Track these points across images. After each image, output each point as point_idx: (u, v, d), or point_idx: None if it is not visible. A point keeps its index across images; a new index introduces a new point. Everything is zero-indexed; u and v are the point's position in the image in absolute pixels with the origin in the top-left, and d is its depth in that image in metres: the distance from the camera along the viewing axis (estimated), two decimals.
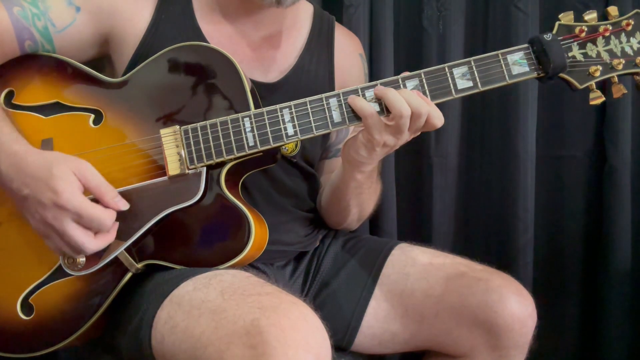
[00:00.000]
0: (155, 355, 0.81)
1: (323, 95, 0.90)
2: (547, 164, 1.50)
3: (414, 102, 0.86)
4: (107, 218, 0.84)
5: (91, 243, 0.84)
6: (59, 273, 0.89)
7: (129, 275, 0.90)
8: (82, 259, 0.88)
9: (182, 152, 0.90)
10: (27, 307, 0.90)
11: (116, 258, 0.89)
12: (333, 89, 1.10)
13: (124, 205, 0.86)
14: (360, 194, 1.05)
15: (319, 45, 1.11)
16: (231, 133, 0.90)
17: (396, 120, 0.87)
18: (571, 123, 1.49)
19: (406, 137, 0.90)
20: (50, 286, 0.90)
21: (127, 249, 0.89)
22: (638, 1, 1.38)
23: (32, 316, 0.90)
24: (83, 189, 0.83)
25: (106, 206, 0.84)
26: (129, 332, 0.85)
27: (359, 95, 0.90)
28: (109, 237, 0.86)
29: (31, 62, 0.96)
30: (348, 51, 1.16)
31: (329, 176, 1.15)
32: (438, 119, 0.88)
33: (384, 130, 0.88)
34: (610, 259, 1.46)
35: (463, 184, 1.51)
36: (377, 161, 0.97)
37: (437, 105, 0.89)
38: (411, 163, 1.47)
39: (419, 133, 0.91)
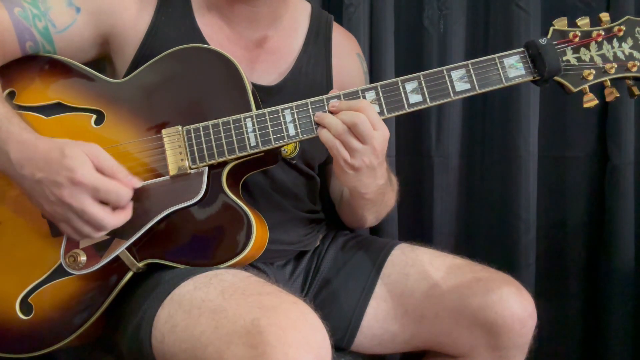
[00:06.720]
0: (155, 355, 0.82)
1: (324, 96, 0.91)
2: (549, 164, 1.49)
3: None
4: (124, 190, 0.84)
5: (110, 218, 0.84)
6: (59, 272, 0.90)
7: (129, 274, 0.90)
8: (83, 258, 0.88)
9: (184, 152, 0.90)
10: (26, 306, 0.90)
11: (117, 257, 0.89)
12: None
13: (137, 183, 0.87)
14: (373, 205, 1.06)
15: (317, 47, 1.11)
16: (233, 133, 0.90)
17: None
18: (573, 123, 1.48)
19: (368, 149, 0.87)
20: (50, 286, 0.90)
21: (129, 248, 0.89)
22: (639, 1, 1.37)
23: (31, 316, 0.90)
24: (95, 169, 0.83)
25: None
26: (129, 332, 0.86)
27: (359, 97, 0.90)
28: (127, 214, 0.86)
29: (32, 62, 0.96)
30: (346, 52, 1.16)
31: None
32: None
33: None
34: (613, 260, 1.46)
35: (464, 184, 1.50)
36: (376, 186, 0.95)
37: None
38: (412, 163, 1.47)
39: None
